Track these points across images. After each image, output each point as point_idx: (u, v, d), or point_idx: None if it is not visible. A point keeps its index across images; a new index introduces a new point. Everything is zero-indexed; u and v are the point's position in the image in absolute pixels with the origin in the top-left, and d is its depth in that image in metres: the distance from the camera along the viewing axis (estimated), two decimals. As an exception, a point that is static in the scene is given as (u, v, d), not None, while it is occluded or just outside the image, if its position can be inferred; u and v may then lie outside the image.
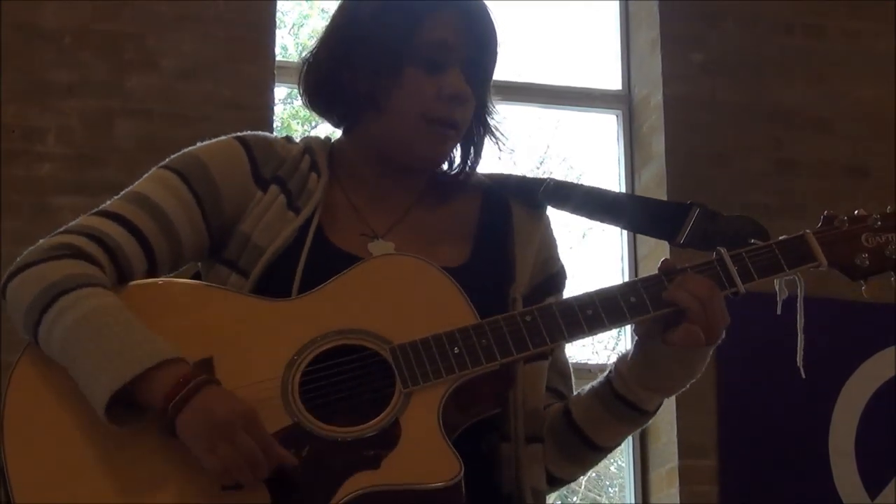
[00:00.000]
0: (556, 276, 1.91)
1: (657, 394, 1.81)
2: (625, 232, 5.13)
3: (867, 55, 5.27)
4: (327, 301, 1.71)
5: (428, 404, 1.65)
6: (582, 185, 1.94)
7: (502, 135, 1.92)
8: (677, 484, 4.69)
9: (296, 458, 1.61)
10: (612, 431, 1.84)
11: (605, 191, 1.95)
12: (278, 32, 4.90)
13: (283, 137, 1.90)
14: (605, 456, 1.91)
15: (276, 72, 4.77)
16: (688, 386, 1.81)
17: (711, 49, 5.15)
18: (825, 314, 4.73)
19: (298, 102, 7.46)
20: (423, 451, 1.62)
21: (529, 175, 1.96)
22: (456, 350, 1.67)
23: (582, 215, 1.92)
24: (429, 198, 1.91)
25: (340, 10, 1.90)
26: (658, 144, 5.06)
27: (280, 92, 4.75)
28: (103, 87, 4.60)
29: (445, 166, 1.93)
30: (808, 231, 1.82)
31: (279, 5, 4.95)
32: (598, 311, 1.72)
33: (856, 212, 1.83)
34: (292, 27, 7.11)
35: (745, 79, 5.16)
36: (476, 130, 1.91)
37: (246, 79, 4.70)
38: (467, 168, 1.92)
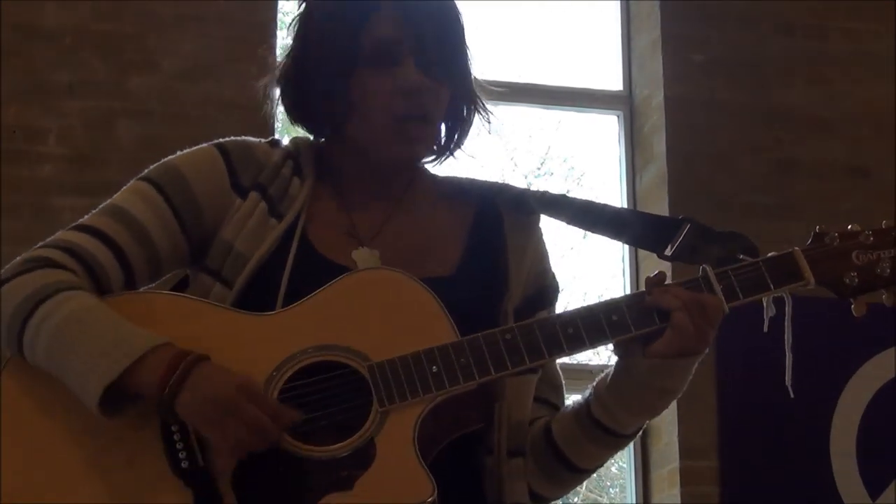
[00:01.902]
0: (548, 289, 1.89)
1: (635, 415, 1.76)
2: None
3: (867, 56, 5.27)
4: (308, 316, 1.69)
5: (404, 424, 1.62)
6: (576, 198, 1.92)
7: (486, 111, 1.90)
8: (678, 485, 4.69)
9: (268, 478, 1.60)
10: (590, 453, 1.81)
11: (600, 204, 1.92)
12: (279, 33, 4.90)
13: (266, 141, 1.89)
14: (584, 478, 1.88)
15: (276, 72, 4.76)
16: (668, 407, 1.76)
17: (712, 50, 5.15)
18: (826, 315, 4.73)
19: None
20: (397, 472, 1.60)
21: (523, 185, 1.95)
22: (434, 369, 1.65)
23: (575, 226, 1.90)
24: (419, 199, 1.89)
25: (294, 27, 1.91)
26: (659, 145, 5.06)
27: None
28: (104, 88, 4.60)
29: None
30: (796, 248, 1.77)
31: (280, 5, 4.94)
32: (579, 329, 1.69)
33: (849, 227, 1.79)
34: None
35: (745, 79, 5.15)
36: (459, 112, 1.88)
37: (247, 79, 4.69)
38: (451, 150, 1.89)
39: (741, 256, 1.76)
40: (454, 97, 1.85)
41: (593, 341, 1.69)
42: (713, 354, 4.60)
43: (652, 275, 1.73)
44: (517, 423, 1.79)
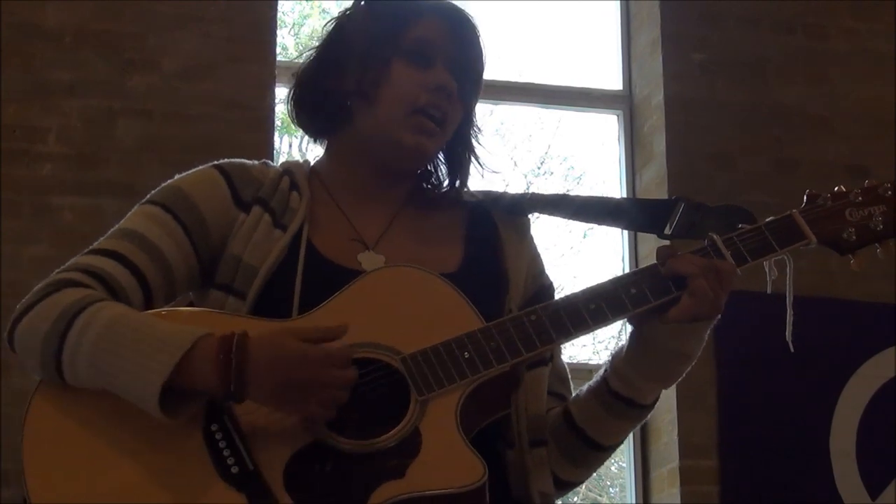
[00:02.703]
0: (547, 289, 1.94)
1: (654, 383, 1.82)
2: (626, 232, 5.14)
3: (868, 55, 5.27)
4: (333, 317, 1.72)
5: (445, 410, 1.67)
6: (567, 194, 1.99)
7: (482, 158, 1.97)
8: (678, 484, 4.69)
9: (319, 476, 1.62)
10: (612, 429, 1.86)
11: (592, 196, 2.01)
12: (279, 32, 4.90)
13: (259, 162, 1.94)
14: (609, 455, 1.93)
15: (276, 72, 4.77)
16: (684, 374, 1.82)
17: (712, 49, 5.15)
18: (826, 314, 4.74)
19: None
20: (446, 456, 1.64)
21: (511, 189, 2.01)
22: (466, 354, 1.69)
23: (572, 219, 1.97)
24: (415, 205, 1.94)
25: (326, 33, 1.96)
26: (659, 144, 5.06)
27: (281, 92, 4.74)
28: (104, 87, 4.59)
29: (430, 183, 1.97)
30: (794, 210, 1.86)
31: (280, 5, 4.94)
32: (601, 304, 1.75)
33: (835, 188, 1.90)
34: (293, 27, 7.11)
35: (745, 79, 5.16)
36: (461, 150, 1.96)
37: (246, 79, 4.70)
38: (454, 186, 1.96)
39: (741, 226, 1.83)
40: (460, 126, 1.93)
41: (616, 315, 1.75)
42: (713, 354, 4.60)
43: (662, 247, 1.79)
44: (535, 414, 1.83)
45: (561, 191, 2.03)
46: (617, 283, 1.77)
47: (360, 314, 1.72)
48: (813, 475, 4.75)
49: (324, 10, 7.03)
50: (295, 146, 6.93)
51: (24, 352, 1.72)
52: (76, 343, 1.66)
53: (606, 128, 5.45)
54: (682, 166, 4.99)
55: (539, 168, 6.46)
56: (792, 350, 1.91)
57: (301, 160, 1.98)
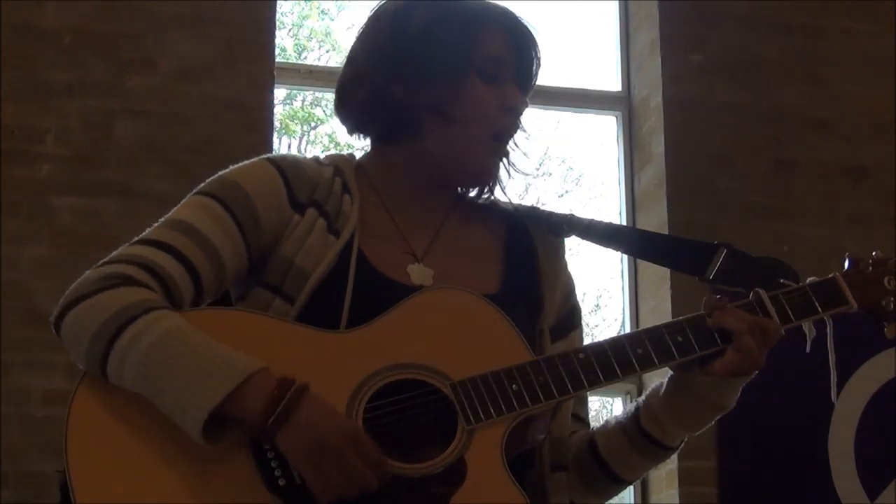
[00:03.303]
0: (577, 311, 1.95)
1: (686, 428, 1.85)
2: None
3: (867, 55, 5.27)
4: (384, 334, 1.71)
5: (491, 441, 1.67)
6: (605, 221, 1.98)
7: (516, 161, 1.95)
8: (677, 485, 4.69)
9: (364, 496, 1.60)
10: (635, 465, 1.88)
11: (628, 228, 2.04)
12: (277, 33, 4.90)
13: (311, 159, 1.90)
14: (624, 488, 1.95)
15: (275, 72, 4.77)
16: (713, 423, 1.86)
17: (711, 50, 5.15)
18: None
19: (297, 103, 7.47)
20: (490, 488, 1.65)
21: (550, 208, 1.99)
22: (515, 387, 1.70)
23: (604, 246, 1.98)
24: (458, 214, 1.93)
25: (381, 25, 1.89)
26: (658, 145, 5.06)
27: (279, 93, 4.74)
28: (102, 88, 4.59)
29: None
30: (837, 274, 1.88)
31: (278, 6, 4.94)
32: (648, 349, 1.76)
33: (874, 254, 1.91)
34: (291, 28, 7.11)
35: (744, 79, 5.15)
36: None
37: (245, 79, 4.70)
38: (493, 189, 1.94)
39: (782, 281, 1.85)
40: None
41: (662, 361, 1.77)
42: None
43: (710, 298, 1.80)
44: (558, 438, 1.85)
45: (592, 217, 2.02)
46: (664, 330, 1.78)
47: (411, 334, 1.72)
48: (812, 476, 4.75)
49: (323, 11, 7.03)
50: (294, 147, 6.93)
51: (70, 343, 1.69)
52: (125, 351, 1.63)
53: (605, 129, 5.45)
54: (681, 167, 4.99)
55: (538, 169, 6.46)
56: (835, 401, 2.00)
57: (346, 154, 1.94)
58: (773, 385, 4.73)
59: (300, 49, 7.14)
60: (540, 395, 1.70)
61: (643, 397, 1.87)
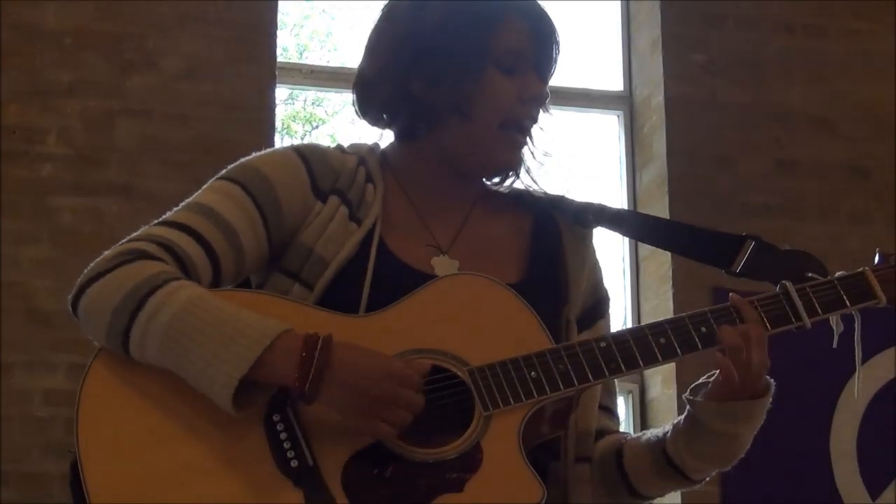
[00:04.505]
0: (604, 301, 1.94)
1: (702, 461, 1.81)
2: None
3: (868, 55, 5.27)
4: (404, 318, 1.71)
5: (508, 428, 1.66)
6: (634, 212, 1.97)
7: (540, 144, 1.93)
8: (678, 485, 4.68)
9: (377, 479, 1.62)
10: (655, 485, 1.86)
11: (657, 218, 2.01)
12: (279, 33, 4.90)
13: (335, 148, 1.89)
14: (647, 502, 1.93)
15: (276, 72, 4.76)
16: (737, 458, 1.82)
17: (712, 49, 5.15)
18: (826, 315, 4.73)
19: (299, 103, 7.48)
20: (506, 475, 1.63)
21: (578, 198, 1.97)
22: (533, 374, 1.68)
23: (632, 238, 1.98)
24: (484, 205, 1.92)
25: (396, 20, 1.88)
26: (659, 145, 5.06)
27: (281, 93, 4.74)
28: (104, 88, 4.59)
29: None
30: (867, 268, 1.85)
31: (280, 6, 4.94)
32: (671, 339, 1.74)
33: None
34: (293, 28, 7.11)
35: (745, 79, 5.15)
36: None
37: (247, 79, 4.70)
38: (518, 175, 1.93)
39: (810, 275, 1.83)
40: None
41: (685, 351, 1.74)
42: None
43: (734, 294, 1.79)
44: (584, 430, 1.83)
45: (621, 207, 2.01)
46: (689, 320, 1.75)
47: (430, 319, 1.71)
48: (813, 476, 4.75)
49: (324, 11, 7.03)
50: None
51: (89, 321, 1.67)
52: (147, 323, 1.61)
53: (607, 128, 5.45)
54: (683, 167, 4.98)
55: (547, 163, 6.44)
56: (860, 406, 1.96)
57: (371, 144, 1.93)
58: (775, 384, 4.72)
59: (302, 49, 7.14)
60: (559, 382, 1.69)
61: (673, 423, 1.84)
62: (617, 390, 1.97)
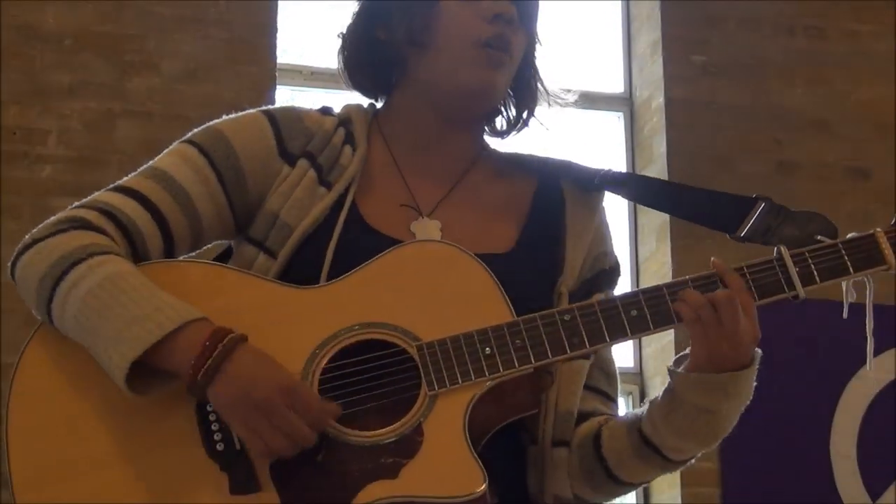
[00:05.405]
0: (607, 272, 1.78)
1: (680, 438, 1.64)
2: (628, 232, 5.13)
3: (868, 57, 5.27)
4: (355, 290, 1.59)
5: (454, 409, 1.53)
6: (642, 175, 1.87)
7: (549, 86, 1.85)
8: (679, 485, 4.69)
9: (307, 464, 1.51)
10: (635, 470, 1.70)
11: (665, 182, 1.86)
12: (279, 34, 4.90)
13: (317, 109, 1.80)
14: (630, 490, 1.77)
15: (277, 74, 4.76)
16: (719, 437, 1.65)
17: (713, 51, 5.15)
18: (825, 316, 4.73)
19: (299, 104, 7.44)
20: (446, 460, 1.50)
21: (585, 163, 1.85)
22: (487, 350, 1.55)
23: (639, 202, 1.81)
24: (482, 169, 1.79)
25: None
26: (659, 146, 5.06)
27: (281, 94, 4.74)
28: (104, 89, 4.60)
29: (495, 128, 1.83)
30: (878, 230, 1.67)
31: (280, 7, 4.94)
32: (644, 311, 1.59)
33: None
34: (293, 29, 7.10)
35: (746, 80, 5.15)
36: (528, 77, 1.82)
37: (247, 80, 4.70)
38: (518, 122, 1.83)
39: (819, 238, 1.66)
40: (525, 54, 1.79)
41: (659, 325, 1.59)
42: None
43: (715, 259, 1.64)
44: (565, 411, 1.69)
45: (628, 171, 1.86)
46: (666, 289, 1.60)
47: (385, 290, 1.59)
48: (813, 477, 4.75)
49: (324, 12, 7.02)
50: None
51: (22, 288, 1.62)
52: (66, 295, 1.55)
53: (607, 130, 5.44)
54: (683, 168, 4.98)
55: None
56: (869, 369, 1.74)
57: (367, 104, 1.82)
58: (775, 386, 4.73)
59: (302, 50, 7.13)
60: (515, 359, 1.55)
61: (649, 401, 1.69)
62: (616, 373, 1.80)
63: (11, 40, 4.56)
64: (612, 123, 5.39)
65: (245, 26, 4.75)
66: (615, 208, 5.26)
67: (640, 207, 5.16)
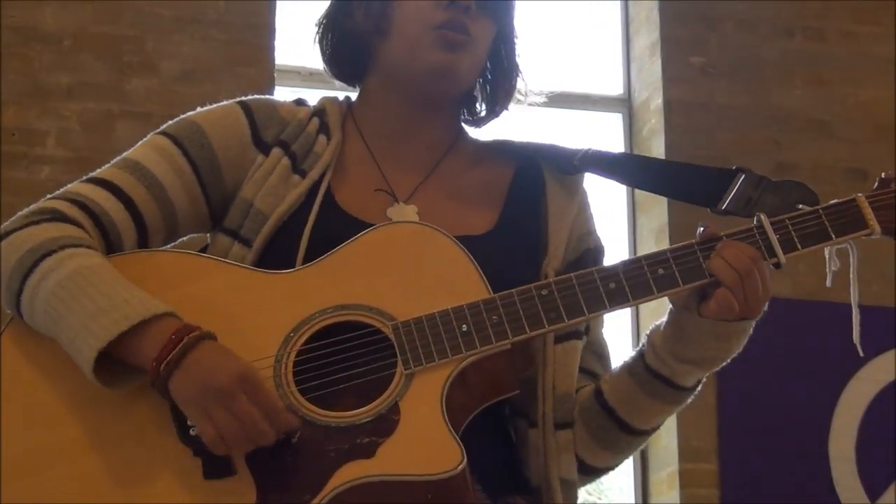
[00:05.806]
0: (592, 252, 1.78)
1: (693, 367, 1.65)
2: (627, 229, 5.14)
3: (867, 58, 5.27)
4: (329, 273, 1.59)
5: (431, 387, 1.51)
6: (622, 153, 1.87)
7: (525, 76, 1.84)
8: (678, 487, 4.69)
9: (283, 446, 1.49)
10: (647, 410, 1.69)
11: (646, 157, 1.89)
12: (277, 35, 4.90)
13: (292, 101, 1.81)
14: (642, 441, 1.76)
15: (275, 75, 4.76)
16: (728, 361, 1.66)
17: (711, 52, 5.15)
18: (825, 317, 4.73)
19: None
20: (423, 438, 1.49)
21: (564, 144, 1.83)
22: (464, 328, 1.54)
23: (620, 181, 1.81)
24: (459, 155, 1.80)
25: None
26: (658, 147, 5.06)
27: (280, 94, 4.74)
28: (103, 90, 4.60)
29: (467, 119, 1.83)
30: (860, 195, 1.66)
31: (278, 7, 4.94)
32: (622, 284, 1.58)
33: None
34: (292, 30, 7.10)
35: (744, 82, 5.16)
36: (504, 66, 1.82)
37: (245, 81, 4.70)
38: (492, 113, 1.82)
39: (799, 206, 1.65)
40: (496, 39, 1.78)
41: (637, 297, 1.58)
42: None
43: (702, 228, 1.62)
44: (563, 394, 1.68)
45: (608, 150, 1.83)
46: (645, 261, 1.59)
47: (359, 272, 1.58)
48: (812, 478, 4.75)
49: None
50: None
51: None
52: (35, 287, 1.54)
53: (606, 131, 5.45)
54: (682, 169, 4.98)
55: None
56: (861, 354, 1.68)
57: (342, 97, 1.84)
58: (774, 387, 4.73)
59: (300, 51, 7.14)
60: (492, 335, 1.53)
61: (648, 333, 1.68)
62: (609, 354, 1.79)
63: (10, 41, 4.56)
64: (611, 124, 5.40)
65: (244, 27, 4.76)
66: (615, 209, 5.27)
67: (640, 207, 5.16)
